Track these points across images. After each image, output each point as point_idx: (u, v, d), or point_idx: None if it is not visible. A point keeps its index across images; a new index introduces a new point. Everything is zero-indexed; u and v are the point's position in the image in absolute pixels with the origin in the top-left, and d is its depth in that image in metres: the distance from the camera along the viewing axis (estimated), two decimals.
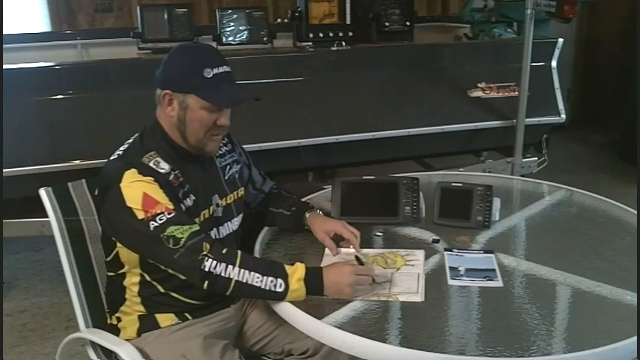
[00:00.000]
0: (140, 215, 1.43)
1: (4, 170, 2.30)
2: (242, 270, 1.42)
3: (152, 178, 1.47)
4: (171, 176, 1.51)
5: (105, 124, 2.54)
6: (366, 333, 1.28)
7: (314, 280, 1.42)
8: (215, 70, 1.51)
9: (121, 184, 1.46)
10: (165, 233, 1.42)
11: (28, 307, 2.95)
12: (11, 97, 2.36)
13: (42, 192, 1.65)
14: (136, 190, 1.45)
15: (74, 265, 1.66)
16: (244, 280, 1.41)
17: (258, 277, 1.41)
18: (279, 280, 1.41)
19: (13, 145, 2.35)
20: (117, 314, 1.64)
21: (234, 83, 1.58)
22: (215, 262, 1.41)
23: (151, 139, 1.57)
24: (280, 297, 1.41)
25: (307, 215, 1.73)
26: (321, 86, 2.93)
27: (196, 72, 1.50)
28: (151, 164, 1.50)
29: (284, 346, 1.68)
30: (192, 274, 1.43)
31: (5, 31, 3.10)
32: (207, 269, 1.41)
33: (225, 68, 1.54)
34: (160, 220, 1.43)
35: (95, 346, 1.65)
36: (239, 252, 1.45)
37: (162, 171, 1.50)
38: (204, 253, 1.41)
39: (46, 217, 1.65)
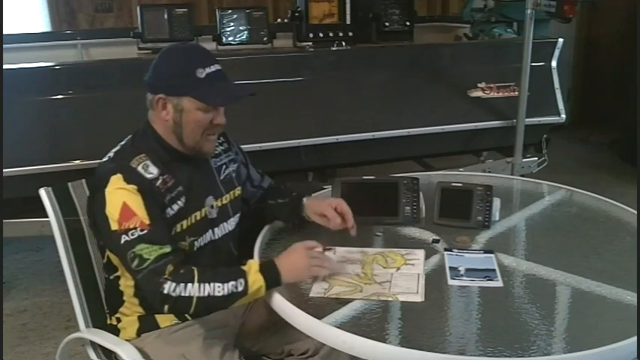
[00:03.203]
0: (114, 226, 1.42)
1: (4, 170, 2.30)
2: (201, 284, 1.39)
3: (135, 187, 1.45)
4: (159, 181, 1.49)
5: (105, 124, 2.54)
6: (366, 333, 1.28)
7: (269, 269, 1.43)
8: (207, 70, 1.50)
9: (106, 190, 1.45)
10: (133, 250, 1.40)
11: (28, 307, 2.95)
12: (11, 97, 2.36)
13: (42, 192, 1.65)
14: (118, 198, 1.44)
15: (74, 265, 1.66)
16: (206, 294, 1.38)
17: (219, 287, 1.39)
18: (240, 280, 1.40)
19: (13, 145, 2.35)
20: (116, 315, 1.64)
21: (227, 80, 1.57)
22: (174, 284, 1.38)
23: (142, 141, 1.55)
24: (241, 295, 1.40)
25: (305, 200, 1.74)
26: (321, 86, 2.93)
27: (189, 73, 1.49)
28: (139, 168, 1.48)
29: (284, 346, 1.68)
30: (153, 297, 1.41)
31: (5, 31, 3.11)
32: (165, 292, 1.37)
33: (217, 67, 1.53)
34: (132, 235, 1.41)
35: (95, 346, 1.65)
36: (195, 269, 1.41)
37: (149, 176, 1.48)
38: (165, 276, 1.38)
39: (46, 217, 1.64)
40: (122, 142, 1.59)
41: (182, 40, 3.04)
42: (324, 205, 1.71)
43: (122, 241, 1.41)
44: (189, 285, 1.38)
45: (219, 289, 1.39)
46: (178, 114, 1.52)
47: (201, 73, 1.50)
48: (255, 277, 1.41)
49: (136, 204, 1.44)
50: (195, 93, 1.50)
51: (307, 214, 1.74)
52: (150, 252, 1.40)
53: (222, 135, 1.73)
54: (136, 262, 1.40)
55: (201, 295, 1.38)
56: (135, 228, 1.41)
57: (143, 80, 1.56)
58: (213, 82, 1.51)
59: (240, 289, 1.40)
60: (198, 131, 1.53)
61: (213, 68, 1.52)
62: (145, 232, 1.42)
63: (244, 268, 1.44)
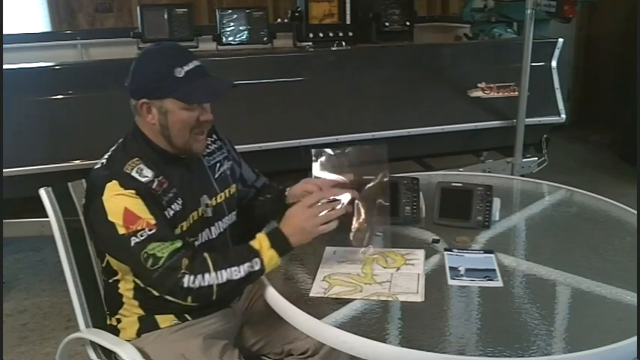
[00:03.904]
0: (121, 230, 1.42)
1: (4, 170, 2.30)
2: (218, 272, 1.42)
3: (134, 191, 1.44)
4: (155, 184, 1.49)
5: (105, 124, 2.54)
6: (366, 333, 1.27)
7: (278, 240, 1.46)
8: (186, 68, 1.49)
9: (103, 197, 1.44)
10: (145, 250, 1.41)
11: (28, 307, 2.95)
12: (11, 97, 2.36)
13: (42, 192, 1.64)
14: (118, 204, 1.43)
15: (74, 265, 1.66)
16: (224, 280, 1.42)
17: (236, 270, 1.42)
18: (255, 260, 1.43)
19: (13, 145, 2.36)
20: (116, 316, 1.64)
21: (207, 75, 1.54)
22: (192, 276, 1.40)
23: (133, 146, 1.54)
24: (259, 273, 1.44)
25: (287, 190, 1.72)
26: (321, 86, 2.94)
27: (167, 74, 1.48)
28: (134, 173, 1.47)
29: (284, 346, 1.68)
30: (173, 292, 1.43)
31: (5, 31, 3.11)
32: (186, 285, 1.40)
33: (195, 63, 1.51)
34: (141, 236, 1.41)
35: (95, 346, 1.65)
36: (207, 256, 1.44)
37: (144, 180, 1.48)
38: (183, 270, 1.40)
39: (46, 217, 1.64)
40: (113, 148, 1.58)
41: (182, 40, 3.05)
42: (302, 183, 1.67)
43: (132, 243, 1.41)
44: (207, 275, 1.41)
45: (236, 272, 1.43)
46: (163, 116, 1.50)
47: (180, 72, 1.48)
48: (269, 254, 1.45)
49: (138, 207, 1.43)
50: (176, 93, 1.48)
51: (290, 202, 1.70)
52: (162, 249, 1.41)
53: (215, 133, 1.72)
54: (150, 262, 1.40)
55: (221, 281, 1.42)
56: (143, 229, 1.42)
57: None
58: (193, 80, 1.49)
59: (256, 267, 1.44)
60: (185, 131, 1.52)
61: (191, 65, 1.50)
62: (154, 231, 1.42)
63: (255, 246, 1.46)
